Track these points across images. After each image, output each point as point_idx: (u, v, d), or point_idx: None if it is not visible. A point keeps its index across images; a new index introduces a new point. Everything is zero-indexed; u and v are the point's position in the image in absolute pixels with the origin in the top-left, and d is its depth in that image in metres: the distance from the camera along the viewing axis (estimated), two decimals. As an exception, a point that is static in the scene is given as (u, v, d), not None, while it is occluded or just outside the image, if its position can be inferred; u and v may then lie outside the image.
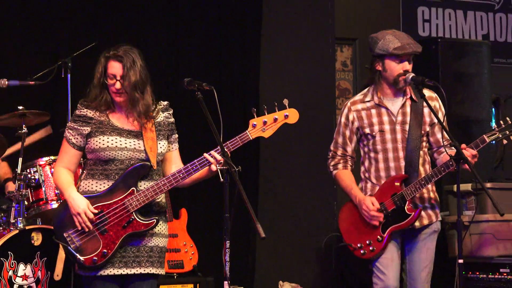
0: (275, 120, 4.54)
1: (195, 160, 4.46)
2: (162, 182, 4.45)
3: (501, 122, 5.13)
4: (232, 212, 4.28)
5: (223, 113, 4.33)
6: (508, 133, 5.12)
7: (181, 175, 4.46)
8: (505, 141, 5.21)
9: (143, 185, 4.48)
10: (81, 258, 4.38)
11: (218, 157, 4.40)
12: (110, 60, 4.47)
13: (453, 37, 8.98)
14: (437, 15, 8.99)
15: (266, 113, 4.53)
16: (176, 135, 4.68)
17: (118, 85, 4.45)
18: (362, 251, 5.31)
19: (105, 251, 4.39)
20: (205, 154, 4.44)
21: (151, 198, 4.44)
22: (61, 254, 5.25)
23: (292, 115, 4.57)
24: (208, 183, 4.81)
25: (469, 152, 5.00)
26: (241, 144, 4.50)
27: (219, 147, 4.39)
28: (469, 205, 6.72)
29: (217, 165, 4.38)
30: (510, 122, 5.12)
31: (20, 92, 6.27)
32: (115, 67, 4.45)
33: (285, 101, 4.54)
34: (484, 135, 5.11)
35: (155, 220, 4.47)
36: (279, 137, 7.31)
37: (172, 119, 4.65)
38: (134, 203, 4.42)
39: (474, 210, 6.58)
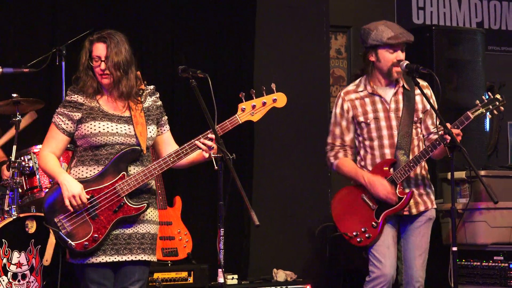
0: (264, 104, 4.56)
1: (185, 144, 4.48)
2: (153, 166, 4.47)
3: (483, 97, 5.17)
4: (226, 200, 4.28)
5: (217, 101, 4.33)
6: (491, 107, 5.18)
7: (171, 159, 4.48)
8: (489, 116, 5.24)
9: (133, 170, 4.49)
10: (72, 243, 4.39)
11: (209, 143, 4.40)
12: (94, 43, 4.49)
13: (447, 24, 8.96)
14: (431, 2, 8.97)
15: (254, 97, 4.56)
16: (166, 117, 4.69)
17: (102, 65, 4.46)
18: (358, 239, 5.32)
19: (96, 235, 4.40)
20: (195, 142, 4.45)
21: (142, 182, 4.45)
22: (52, 239, 5.24)
23: (280, 99, 4.60)
24: (202, 171, 4.81)
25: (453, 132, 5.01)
26: (231, 128, 4.51)
27: (207, 132, 4.41)
28: (463, 193, 6.72)
29: (211, 152, 4.39)
30: (492, 97, 5.16)
31: (14, 80, 6.25)
32: (99, 48, 4.46)
33: (273, 85, 4.58)
34: (468, 112, 5.16)
35: (145, 204, 4.48)
36: (273, 125, 7.37)
37: (160, 102, 4.67)
38: (125, 187, 4.43)
39: (468, 198, 6.58)
